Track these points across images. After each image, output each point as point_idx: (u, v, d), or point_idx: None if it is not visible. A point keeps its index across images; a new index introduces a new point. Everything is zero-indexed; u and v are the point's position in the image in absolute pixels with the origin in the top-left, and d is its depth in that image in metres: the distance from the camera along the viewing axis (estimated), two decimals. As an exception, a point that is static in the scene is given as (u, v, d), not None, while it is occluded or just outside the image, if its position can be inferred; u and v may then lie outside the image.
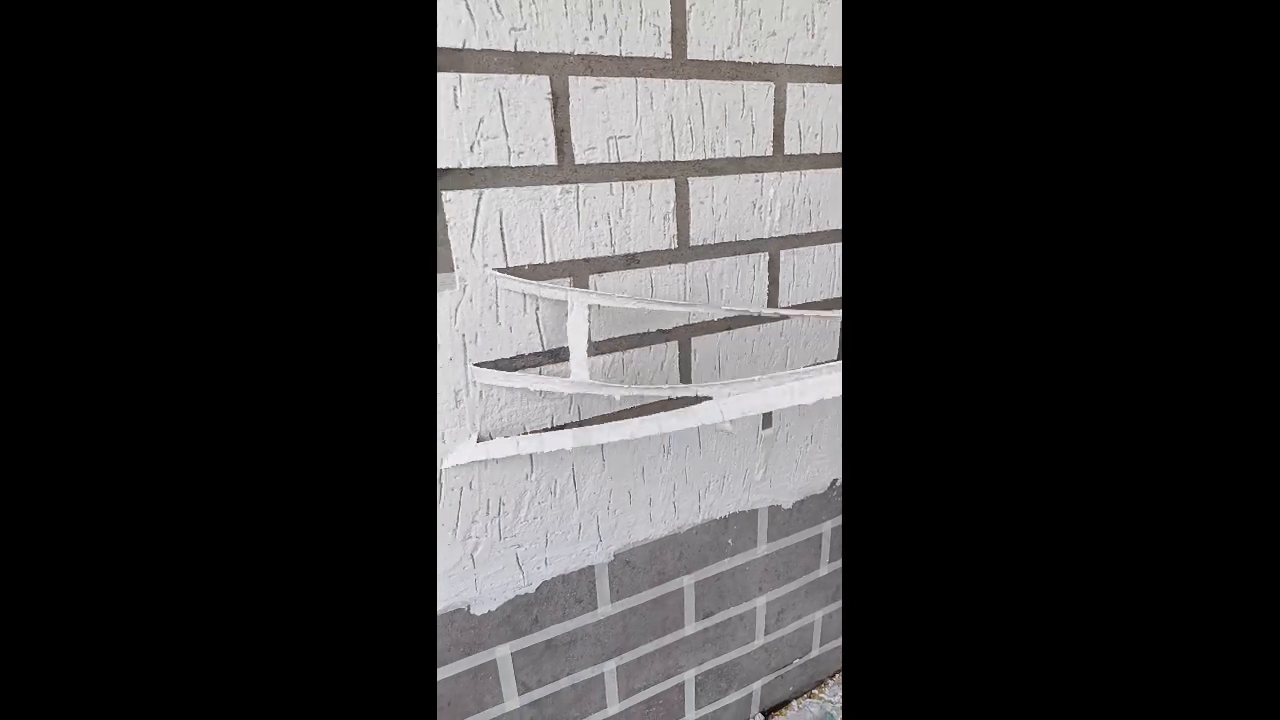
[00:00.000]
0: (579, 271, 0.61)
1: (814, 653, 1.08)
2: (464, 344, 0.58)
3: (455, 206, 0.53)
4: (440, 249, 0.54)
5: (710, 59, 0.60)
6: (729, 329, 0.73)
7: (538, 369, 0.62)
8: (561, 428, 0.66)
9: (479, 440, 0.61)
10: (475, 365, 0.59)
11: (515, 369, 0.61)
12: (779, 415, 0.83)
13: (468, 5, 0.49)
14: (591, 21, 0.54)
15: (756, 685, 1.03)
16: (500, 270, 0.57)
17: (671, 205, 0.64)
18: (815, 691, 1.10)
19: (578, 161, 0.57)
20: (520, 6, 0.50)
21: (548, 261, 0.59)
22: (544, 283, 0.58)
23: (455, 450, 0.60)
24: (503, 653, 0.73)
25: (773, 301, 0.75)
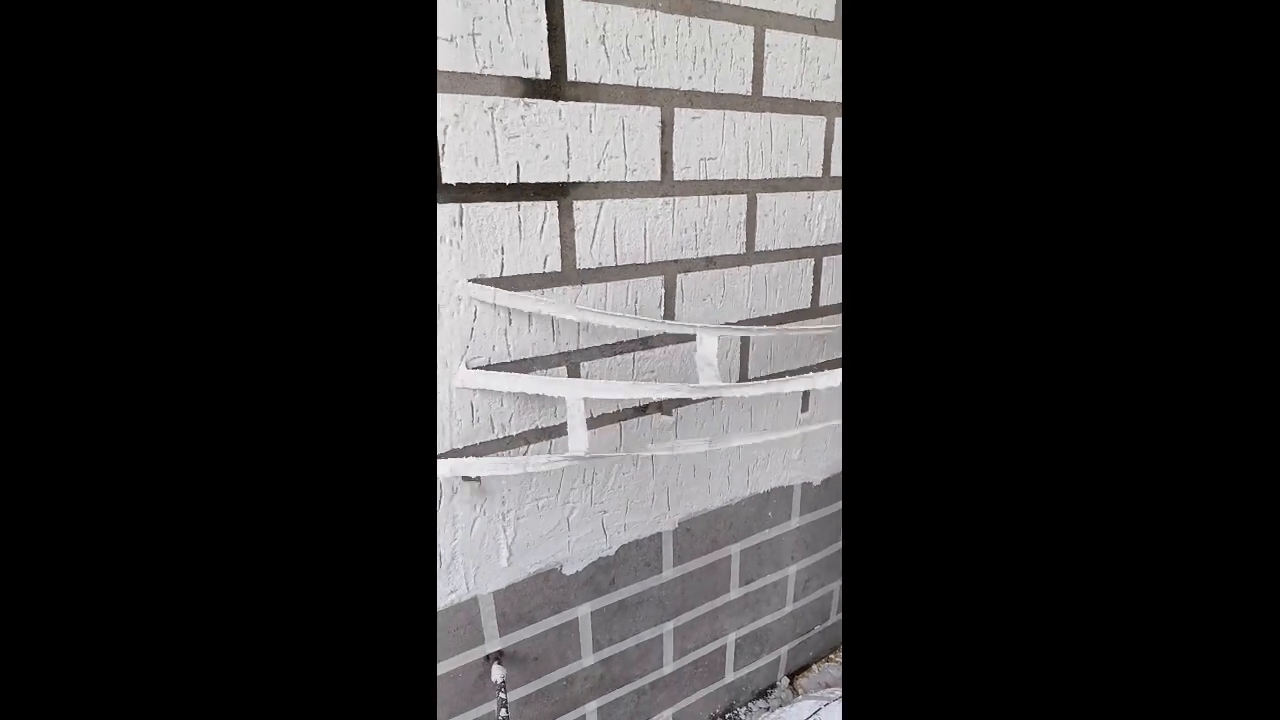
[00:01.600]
0: (669, 271, 0.72)
1: (831, 620, 1.20)
2: (578, 333, 0.67)
3: (582, 214, 0.63)
4: (567, 251, 0.64)
5: (780, 96, 0.73)
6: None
7: (632, 354, 0.73)
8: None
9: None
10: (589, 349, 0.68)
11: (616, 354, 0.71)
12: (814, 400, 0.95)
13: (605, 49, 0.59)
14: (694, 64, 0.65)
15: (784, 649, 1.14)
16: (475, 281, 0.67)
17: (743, 216, 0.75)
18: (832, 656, 1.22)
19: (676, 178, 0.68)
20: (644, 50, 0.61)
21: (647, 262, 0.70)
22: (515, 293, 0.61)
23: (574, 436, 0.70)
24: (584, 611, 0.82)
25: (815, 299, 0.87)
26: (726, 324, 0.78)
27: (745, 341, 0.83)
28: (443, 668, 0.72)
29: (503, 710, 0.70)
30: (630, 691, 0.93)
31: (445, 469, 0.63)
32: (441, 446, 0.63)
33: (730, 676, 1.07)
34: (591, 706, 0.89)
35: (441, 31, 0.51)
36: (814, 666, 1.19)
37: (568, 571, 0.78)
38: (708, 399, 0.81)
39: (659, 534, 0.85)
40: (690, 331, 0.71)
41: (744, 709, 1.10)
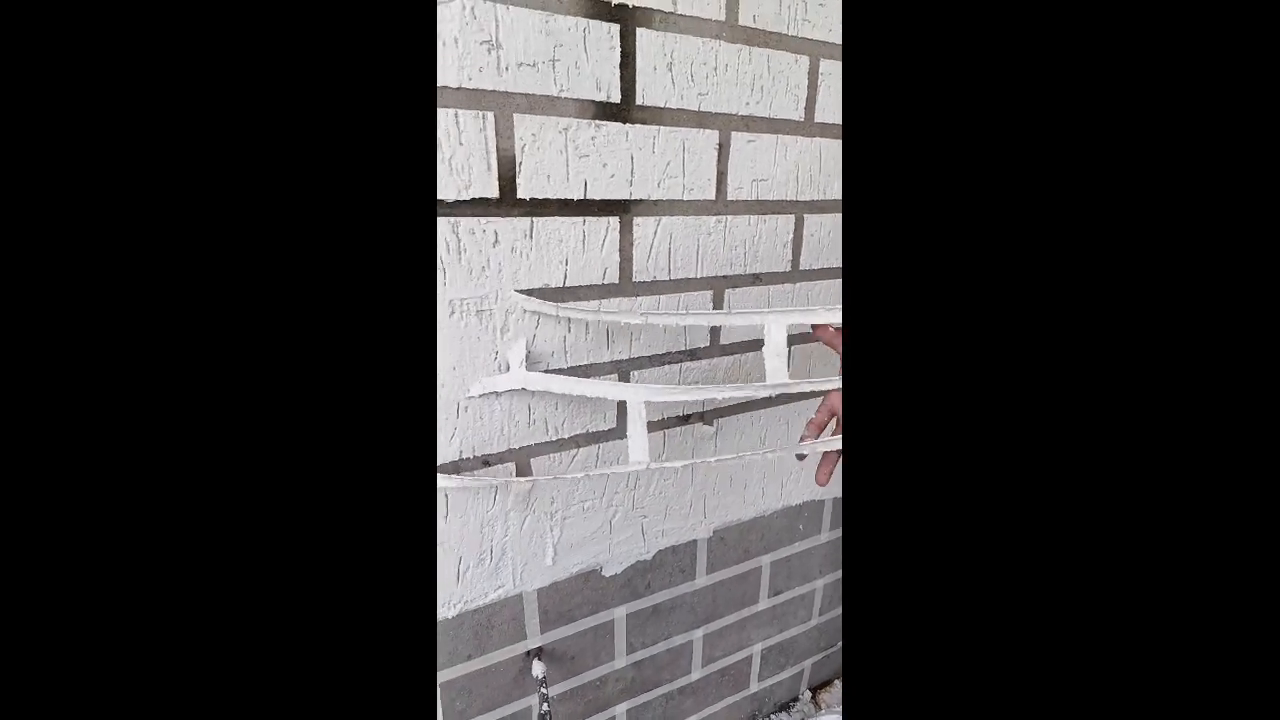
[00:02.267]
0: (718, 286, 0.75)
1: (855, 636, 1.21)
2: (630, 340, 0.70)
3: (641, 230, 0.67)
4: (624, 263, 0.67)
5: (830, 122, 0.75)
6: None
7: (678, 365, 0.75)
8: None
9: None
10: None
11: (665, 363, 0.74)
12: (849, 417, 0.97)
13: (671, 75, 0.62)
14: (752, 90, 0.68)
15: (808, 663, 1.14)
16: (523, 292, 0.70)
17: (791, 236, 0.78)
18: (854, 672, 1.22)
19: (729, 198, 0.71)
20: (706, 77, 0.65)
21: (698, 276, 0.72)
22: (563, 305, 0.65)
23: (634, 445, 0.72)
24: (620, 613, 0.84)
25: (854, 319, 0.89)
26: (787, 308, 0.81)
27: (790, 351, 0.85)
28: (485, 661, 0.74)
29: (544, 705, 0.72)
30: (659, 696, 0.95)
31: (501, 470, 0.66)
32: (498, 447, 0.66)
33: (754, 687, 1.08)
34: (621, 708, 0.91)
35: (524, 57, 0.55)
36: (836, 682, 1.20)
37: (607, 573, 0.81)
38: (747, 410, 0.84)
39: (694, 541, 0.87)
40: (756, 323, 0.69)
41: (765, 719, 1.11)
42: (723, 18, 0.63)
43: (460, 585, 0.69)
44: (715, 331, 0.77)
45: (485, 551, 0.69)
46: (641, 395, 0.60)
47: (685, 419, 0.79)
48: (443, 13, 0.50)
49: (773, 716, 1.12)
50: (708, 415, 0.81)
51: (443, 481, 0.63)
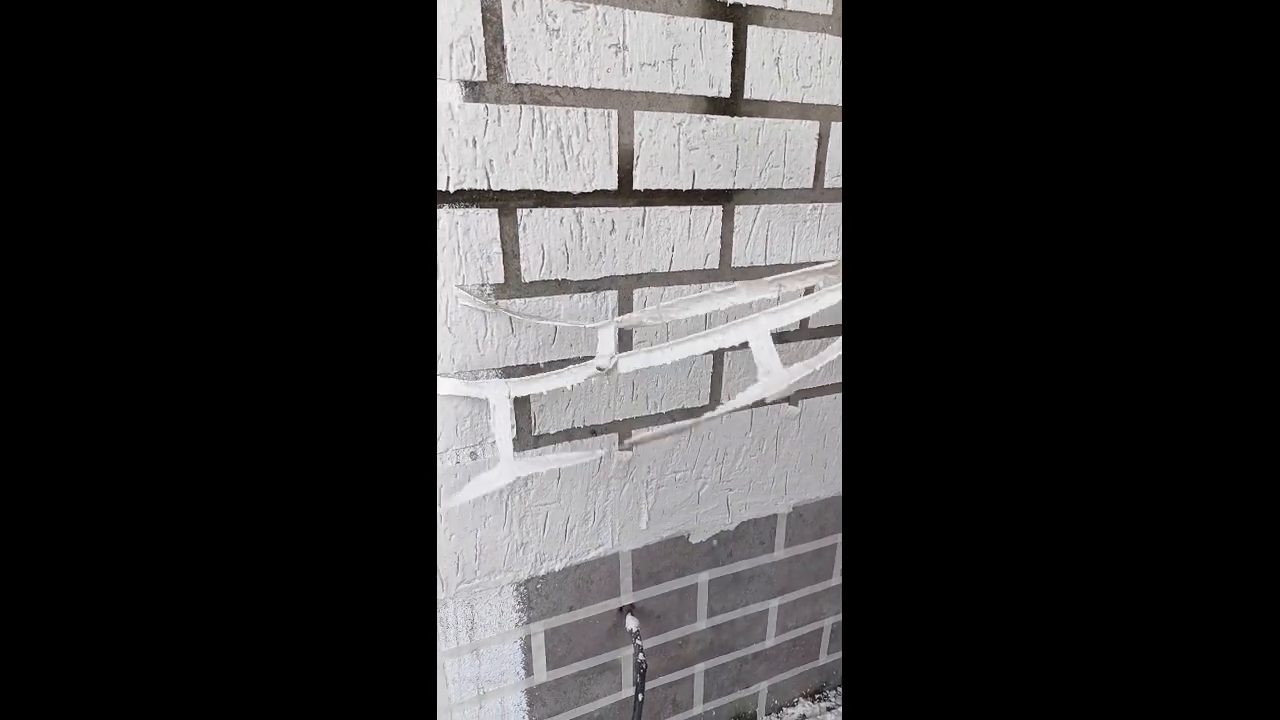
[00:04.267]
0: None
1: (923, 619, 1.22)
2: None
3: (741, 218, 0.70)
4: (724, 250, 0.71)
5: (928, 109, 0.76)
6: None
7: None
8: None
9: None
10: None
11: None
12: (930, 402, 0.98)
13: (779, 70, 0.65)
14: (853, 81, 0.70)
15: (876, 641, 1.17)
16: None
17: (883, 222, 0.80)
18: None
19: (825, 186, 0.74)
20: (810, 70, 0.67)
21: (792, 261, 0.76)
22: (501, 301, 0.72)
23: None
24: (703, 579, 0.90)
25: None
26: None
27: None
28: (585, 613, 0.82)
29: (639, 655, 0.79)
30: (734, 659, 1.00)
31: (606, 441, 0.72)
32: (604, 419, 0.72)
33: (824, 659, 1.12)
34: (699, 668, 0.97)
35: (646, 57, 0.59)
36: (903, 661, 1.22)
37: (694, 540, 0.86)
38: (829, 392, 0.87)
39: (775, 515, 0.92)
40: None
41: (833, 691, 1.15)
42: (829, 11, 0.66)
43: (567, 542, 0.76)
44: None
45: (589, 513, 0.76)
46: (764, 326, 0.62)
47: (761, 403, 0.83)
48: (577, 20, 0.55)
49: (839, 688, 1.16)
50: (793, 397, 0.84)
51: (556, 451, 0.69)
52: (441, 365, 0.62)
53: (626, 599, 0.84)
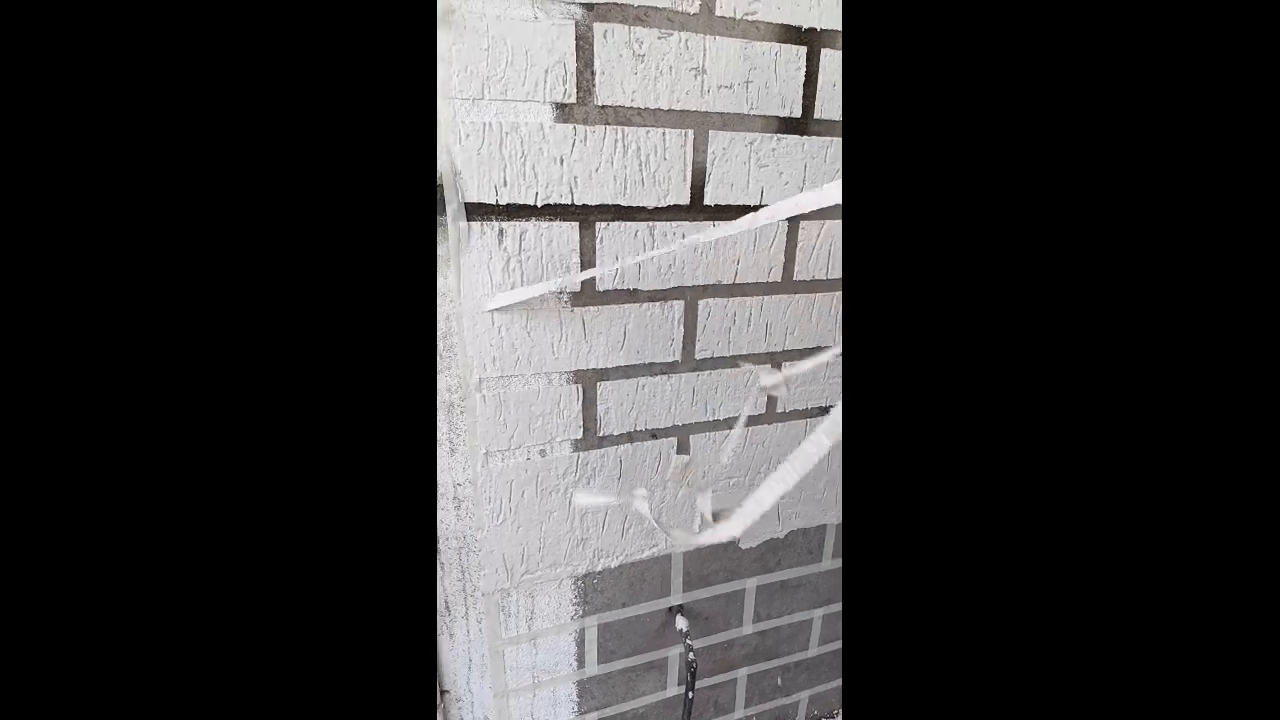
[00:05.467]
0: (870, 286, 0.79)
1: (969, 639, 1.21)
2: (784, 333, 0.77)
3: (806, 233, 0.72)
4: (788, 264, 0.73)
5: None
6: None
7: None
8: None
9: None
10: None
11: (815, 357, 0.79)
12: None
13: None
14: (922, 101, 0.71)
15: (919, 658, 1.16)
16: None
17: (945, 239, 0.80)
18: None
19: (889, 203, 0.75)
20: (879, 91, 0.69)
21: (853, 277, 0.77)
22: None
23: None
24: (751, 584, 0.91)
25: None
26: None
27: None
28: (636, 610, 0.84)
29: (690, 654, 0.81)
30: (777, 666, 1.01)
31: (665, 443, 0.75)
32: (666, 422, 0.75)
33: (865, 673, 1.12)
34: (743, 672, 0.99)
35: (724, 80, 0.62)
36: (946, 681, 1.20)
37: (744, 546, 0.88)
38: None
39: (824, 526, 0.93)
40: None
41: (874, 707, 1.14)
42: (901, 34, 0.67)
43: (624, 540, 0.79)
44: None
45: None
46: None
47: (826, 410, 0.84)
48: (661, 46, 0.59)
49: (880, 704, 1.15)
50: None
51: (618, 450, 0.73)
52: (517, 367, 0.66)
53: (676, 599, 0.87)
